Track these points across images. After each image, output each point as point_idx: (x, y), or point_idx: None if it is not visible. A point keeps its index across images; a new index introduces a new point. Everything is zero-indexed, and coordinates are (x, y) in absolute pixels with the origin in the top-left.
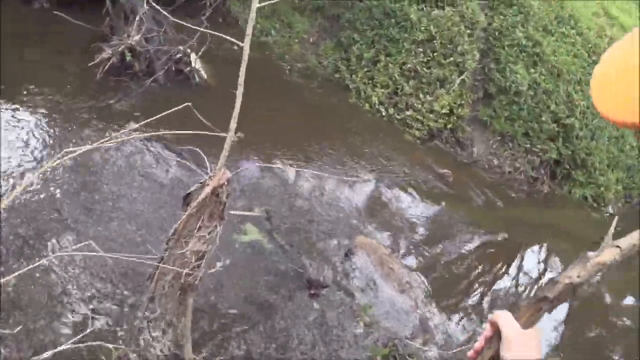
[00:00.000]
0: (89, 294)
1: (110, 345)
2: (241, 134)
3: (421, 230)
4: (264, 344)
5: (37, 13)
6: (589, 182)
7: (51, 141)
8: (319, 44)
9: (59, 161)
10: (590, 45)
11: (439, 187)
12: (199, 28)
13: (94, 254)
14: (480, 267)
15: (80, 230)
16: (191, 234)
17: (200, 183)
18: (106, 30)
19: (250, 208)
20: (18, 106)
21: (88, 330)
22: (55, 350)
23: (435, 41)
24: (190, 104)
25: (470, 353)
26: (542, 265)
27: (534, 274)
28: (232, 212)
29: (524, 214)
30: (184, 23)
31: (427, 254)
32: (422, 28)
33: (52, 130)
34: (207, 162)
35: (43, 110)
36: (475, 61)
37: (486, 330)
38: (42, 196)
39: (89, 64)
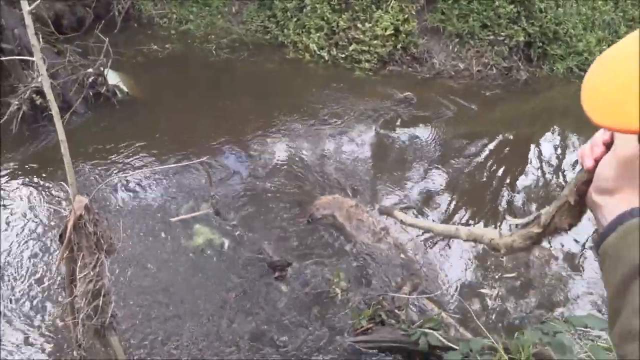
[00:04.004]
0: None
1: None
2: None
3: (407, 164)
4: (239, 341)
5: None
6: (568, 53)
7: None
8: (241, 11)
9: None
10: None
11: (405, 113)
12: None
13: None
14: (498, 173)
15: None
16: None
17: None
18: (15, 82)
19: (196, 208)
20: None
21: None
22: None
23: None
24: None
25: (588, 162)
26: (560, 150)
27: (555, 161)
28: (175, 219)
29: (512, 107)
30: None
31: (429, 182)
32: None
33: None
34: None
35: None
36: None
37: (603, 134)
38: None
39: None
